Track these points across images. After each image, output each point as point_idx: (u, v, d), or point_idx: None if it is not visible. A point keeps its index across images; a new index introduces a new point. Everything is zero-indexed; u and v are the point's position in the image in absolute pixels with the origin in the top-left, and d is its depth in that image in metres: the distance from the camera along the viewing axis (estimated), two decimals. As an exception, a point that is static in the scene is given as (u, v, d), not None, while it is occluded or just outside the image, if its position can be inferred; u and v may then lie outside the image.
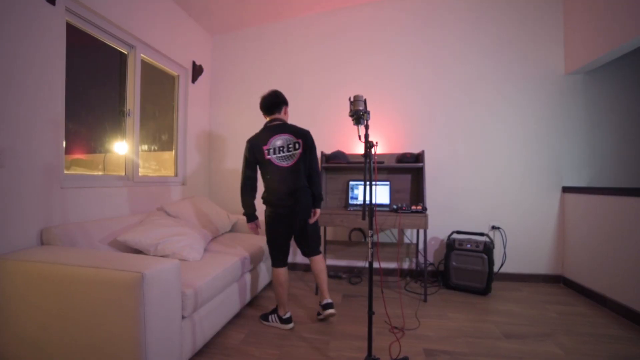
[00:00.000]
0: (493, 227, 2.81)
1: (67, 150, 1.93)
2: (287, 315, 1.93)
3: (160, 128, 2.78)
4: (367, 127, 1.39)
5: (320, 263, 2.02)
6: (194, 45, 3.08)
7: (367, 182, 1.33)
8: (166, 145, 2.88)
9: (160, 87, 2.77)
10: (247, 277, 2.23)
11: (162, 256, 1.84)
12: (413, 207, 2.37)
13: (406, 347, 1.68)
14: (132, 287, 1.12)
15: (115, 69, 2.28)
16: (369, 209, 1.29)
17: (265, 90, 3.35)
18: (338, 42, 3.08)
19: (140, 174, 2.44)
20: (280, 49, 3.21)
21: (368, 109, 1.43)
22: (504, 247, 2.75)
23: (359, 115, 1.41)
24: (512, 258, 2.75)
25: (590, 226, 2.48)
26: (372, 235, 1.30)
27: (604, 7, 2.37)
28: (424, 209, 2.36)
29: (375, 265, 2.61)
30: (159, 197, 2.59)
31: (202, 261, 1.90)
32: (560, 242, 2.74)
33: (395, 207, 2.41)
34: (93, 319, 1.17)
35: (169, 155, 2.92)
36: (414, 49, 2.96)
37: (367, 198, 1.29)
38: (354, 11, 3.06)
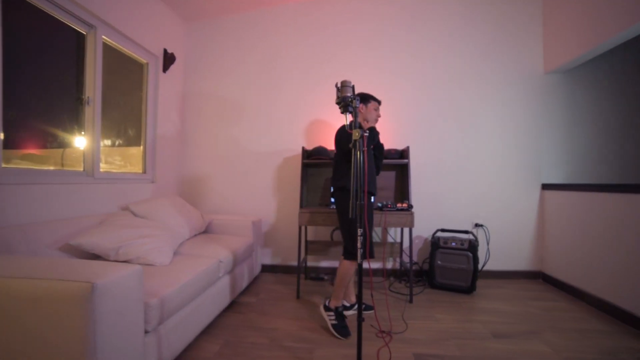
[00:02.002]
0: (476, 225, 2.80)
1: (15, 144, 1.67)
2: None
3: (126, 120, 2.52)
4: (355, 115, 1.27)
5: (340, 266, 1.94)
6: (166, 32, 2.84)
7: (357, 175, 1.21)
8: (134, 140, 2.63)
9: (127, 74, 2.52)
10: (225, 280, 2.06)
11: (125, 261, 1.63)
12: (398, 205, 2.29)
13: (395, 353, 1.58)
14: (79, 301, 0.93)
15: (72, 52, 2.02)
16: (359, 204, 1.18)
17: (243, 82, 3.18)
18: (321, 34, 2.96)
19: (101, 170, 2.19)
20: (259, 40, 3.04)
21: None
22: (488, 245, 2.75)
23: (346, 102, 1.29)
24: (494, 255, 2.75)
25: (567, 222, 2.51)
26: (361, 235, 1.19)
27: (582, 8, 2.41)
28: (410, 206, 2.29)
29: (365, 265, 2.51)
30: (124, 196, 2.35)
31: (172, 266, 1.71)
32: (540, 238, 2.77)
33: (380, 205, 2.32)
34: (30, 343, 0.96)
35: (136, 151, 2.67)
36: (399, 44, 2.90)
37: (357, 190, 1.19)
38: (339, 3, 2.95)
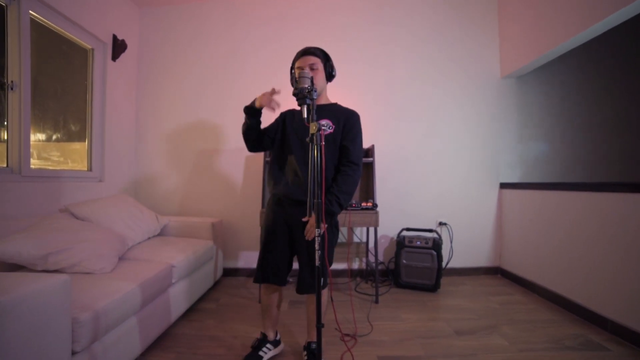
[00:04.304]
0: (440, 223, 2.86)
1: None
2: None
3: (67, 112, 2.25)
4: (313, 106, 1.19)
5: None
6: (115, 16, 2.59)
7: (313, 170, 1.14)
8: (77, 134, 2.36)
9: (68, 61, 2.25)
10: (179, 287, 1.89)
11: (56, 271, 1.43)
12: (363, 204, 2.26)
13: (359, 356, 1.53)
14: (-25, 322, 0.76)
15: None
16: (317, 202, 1.10)
17: (203, 74, 2.98)
18: (284, 25, 2.87)
19: (33, 167, 1.92)
20: (221, 30, 2.88)
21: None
22: (451, 243, 2.81)
23: (303, 94, 1.21)
24: (457, 253, 2.82)
25: (522, 219, 2.64)
26: (319, 235, 1.12)
27: (534, 15, 2.55)
28: (375, 205, 2.27)
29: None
30: (64, 196, 2.09)
31: (115, 273, 1.53)
32: (498, 235, 2.89)
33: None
34: None
35: (80, 146, 2.39)
36: (362, 38, 2.89)
37: (313, 187, 1.13)
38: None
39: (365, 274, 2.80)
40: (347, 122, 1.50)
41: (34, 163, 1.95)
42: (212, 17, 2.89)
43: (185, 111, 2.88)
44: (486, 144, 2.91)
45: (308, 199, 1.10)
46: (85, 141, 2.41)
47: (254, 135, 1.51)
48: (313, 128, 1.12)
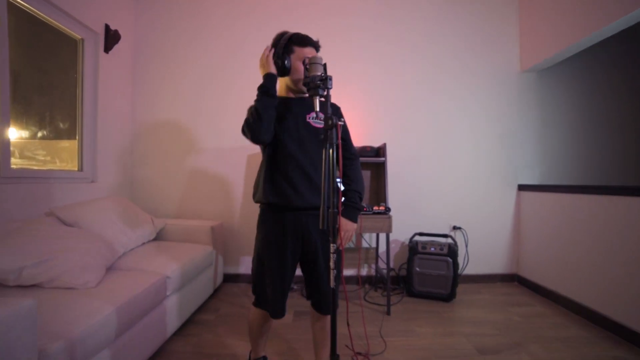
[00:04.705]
0: (454, 228, 2.68)
1: None
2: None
3: (54, 107, 2.09)
4: (327, 98, 1.02)
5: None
6: (109, 4, 2.42)
7: (327, 175, 0.96)
8: (66, 131, 2.20)
9: (54, 51, 2.08)
10: (174, 299, 1.73)
11: (32, 286, 1.27)
12: (375, 208, 2.08)
13: (374, 382, 1.36)
14: None
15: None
16: (332, 212, 0.93)
17: (204, 69, 2.79)
18: (290, 20, 2.68)
19: (14, 167, 1.76)
20: (224, 24, 2.70)
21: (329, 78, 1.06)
22: (466, 249, 2.63)
23: (315, 84, 1.04)
24: (472, 259, 2.65)
25: (542, 224, 2.46)
26: (335, 251, 0.94)
27: (557, 6, 2.36)
28: (387, 209, 2.09)
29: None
30: (51, 199, 1.93)
31: (100, 287, 1.36)
32: (516, 240, 2.71)
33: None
34: None
35: (70, 144, 2.23)
36: (376, 36, 2.70)
37: (329, 194, 0.95)
38: (310, -15, 2.69)
39: (375, 281, 2.63)
40: (335, 114, 1.30)
41: (16, 162, 1.78)
42: (215, 10, 2.70)
43: (185, 108, 2.70)
44: (504, 142, 2.72)
45: (322, 207, 0.92)
46: (75, 139, 2.25)
47: (273, 116, 1.17)
48: (328, 123, 0.94)
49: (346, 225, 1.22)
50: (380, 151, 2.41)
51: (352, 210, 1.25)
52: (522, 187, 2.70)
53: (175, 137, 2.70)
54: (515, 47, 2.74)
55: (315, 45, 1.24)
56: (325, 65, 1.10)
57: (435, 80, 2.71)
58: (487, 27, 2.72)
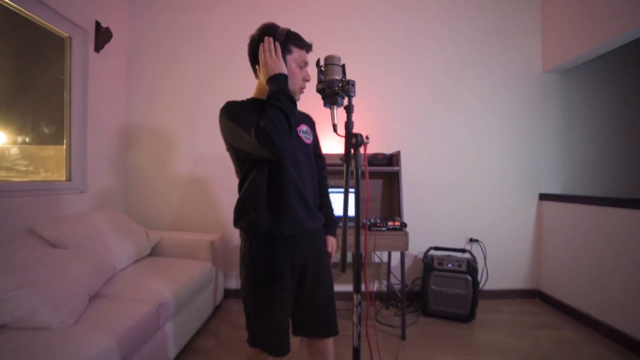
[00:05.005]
0: (471, 240, 2.49)
1: None
2: None
3: (37, 111, 1.91)
4: (349, 110, 0.84)
5: None
6: (100, 0, 2.23)
7: (345, 209, 0.78)
8: (51, 138, 2.01)
9: (37, 50, 1.90)
10: (168, 329, 1.55)
11: (-1, 326, 1.09)
12: (390, 224, 1.90)
13: None
14: None
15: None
16: (356, 257, 0.75)
17: (202, 66, 2.60)
18: (296, 20, 2.49)
19: (-10, 180, 1.59)
20: (223, 18, 2.51)
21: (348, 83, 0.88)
22: (485, 262, 2.45)
23: (333, 90, 0.86)
24: (490, 273, 2.46)
25: (566, 236, 2.29)
26: (358, 304, 0.77)
27: (584, 3, 2.17)
28: (403, 225, 1.91)
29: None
30: (34, 214, 1.74)
31: (79, 325, 1.19)
32: (537, 253, 2.53)
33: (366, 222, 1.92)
34: None
35: (56, 152, 2.05)
36: (389, 36, 2.51)
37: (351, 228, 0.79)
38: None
39: (386, 297, 2.45)
40: (314, 126, 1.23)
41: (-7, 174, 1.61)
42: (215, 6, 2.51)
43: (183, 110, 2.52)
44: (524, 148, 2.53)
45: (341, 247, 0.75)
46: (62, 144, 2.06)
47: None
48: (352, 142, 0.76)
49: (333, 243, 1.23)
50: (393, 159, 2.23)
51: (334, 227, 1.25)
52: (543, 197, 2.51)
53: (172, 142, 2.52)
54: (536, 45, 2.54)
55: (310, 50, 1.09)
56: (344, 66, 0.92)
57: (449, 82, 2.52)
58: (506, 22, 2.53)
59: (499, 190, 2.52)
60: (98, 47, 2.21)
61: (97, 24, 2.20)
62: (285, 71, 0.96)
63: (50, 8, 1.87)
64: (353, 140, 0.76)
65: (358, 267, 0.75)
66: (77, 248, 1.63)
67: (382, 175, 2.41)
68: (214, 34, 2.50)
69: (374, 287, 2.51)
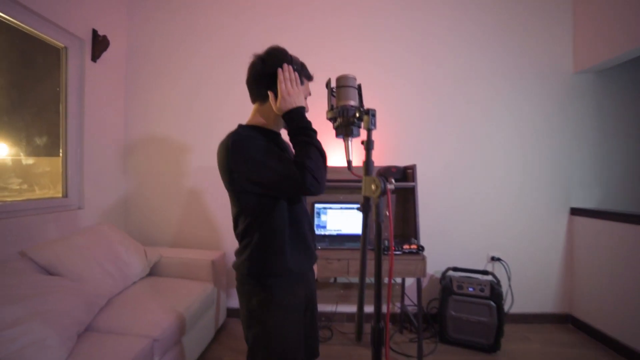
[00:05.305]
0: (493, 258, 2.29)
1: None
2: None
3: (31, 126, 1.81)
4: (369, 147, 0.68)
5: None
6: (96, 8, 2.13)
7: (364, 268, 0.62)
8: (45, 152, 1.93)
9: (29, 62, 1.80)
10: (164, 362, 1.43)
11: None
12: (405, 247, 1.73)
13: None
14: None
15: None
16: (375, 332, 0.59)
17: (201, 76, 2.46)
18: (298, 21, 2.33)
19: (-22, 203, 1.50)
20: (227, 23, 2.37)
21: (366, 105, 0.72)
22: (509, 284, 2.24)
23: (348, 119, 0.71)
24: (515, 296, 2.25)
25: (601, 256, 2.06)
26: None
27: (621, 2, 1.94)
28: (420, 248, 1.73)
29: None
30: (28, 234, 1.66)
31: (62, 371, 1.07)
32: (568, 274, 2.30)
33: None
34: None
35: (51, 167, 1.96)
36: (401, 35, 2.32)
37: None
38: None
39: (399, 320, 2.28)
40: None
41: (-18, 196, 1.52)
42: (215, 6, 2.38)
43: (180, 120, 2.40)
44: (553, 157, 2.30)
45: (358, 316, 0.60)
46: (58, 157, 1.97)
47: None
48: (372, 187, 0.60)
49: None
50: (407, 173, 2.05)
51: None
52: (575, 212, 2.28)
53: (172, 154, 2.41)
54: (567, 43, 2.30)
55: (311, 78, 1.03)
56: (360, 87, 0.76)
57: (468, 85, 2.31)
58: (532, 19, 2.29)
59: (524, 204, 2.30)
60: (95, 56, 2.11)
61: (94, 32, 2.10)
62: (305, 104, 0.90)
63: (46, 19, 1.78)
64: (373, 187, 0.59)
65: (378, 344, 0.59)
66: (71, 273, 1.54)
67: (395, 190, 2.23)
68: (217, 39, 2.37)
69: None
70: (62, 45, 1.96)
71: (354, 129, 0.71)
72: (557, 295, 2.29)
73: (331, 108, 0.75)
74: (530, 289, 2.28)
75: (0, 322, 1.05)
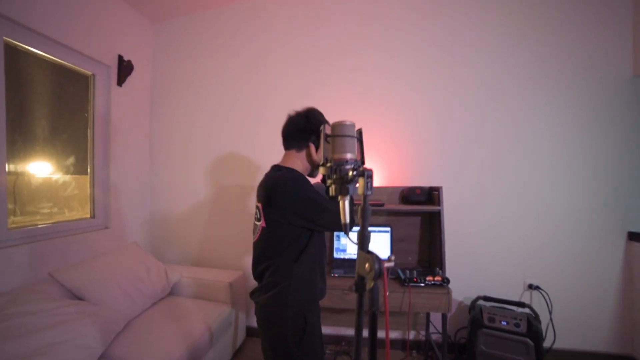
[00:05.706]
0: (530, 286, 2.05)
1: None
2: None
3: (61, 152, 1.92)
4: (365, 216, 0.59)
5: None
6: (122, 34, 2.22)
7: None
8: (75, 175, 2.03)
9: (60, 90, 1.91)
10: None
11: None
12: (429, 279, 1.58)
13: None
14: None
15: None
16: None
17: (226, 96, 2.50)
18: (320, 38, 2.25)
19: (14, 226, 1.60)
20: (245, 41, 2.36)
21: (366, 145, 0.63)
22: (550, 317, 1.99)
23: (344, 178, 0.62)
24: (558, 330, 2.00)
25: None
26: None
27: None
28: (445, 280, 1.58)
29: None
30: (57, 254, 1.76)
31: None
32: (628, 309, 1.99)
33: (402, 276, 1.62)
34: None
35: (80, 189, 2.05)
36: (422, 43, 2.16)
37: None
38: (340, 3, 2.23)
39: (425, 348, 2.12)
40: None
41: (16, 221, 1.62)
42: (234, 24, 2.38)
43: (204, 139, 2.44)
44: (606, 174, 2.01)
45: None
46: (86, 177, 2.07)
47: None
48: (365, 268, 0.51)
49: None
50: (432, 196, 1.89)
51: None
52: (634, 236, 1.97)
53: (195, 174, 2.45)
54: (625, 42, 1.99)
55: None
56: (361, 133, 0.67)
57: (503, 92, 2.09)
58: (581, 15, 2.02)
59: (569, 227, 2.03)
60: (120, 81, 2.20)
61: (120, 57, 2.18)
62: None
63: (77, 51, 1.88)
64: (367, 266, 0.50)
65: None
66: (94, 296, 1.61)
67: (419, 213, 2.07)
68: (237, 58, 2.37)
69: (410, 335, 2.19)
70: (90, 73, 2.05)
71: (350, 187, 0.62)
72: (613, 332, 2.00)
73: (325, 161, 0.66)
74: (577, 324, 2.01)
75: (14, 357, 1.09)
